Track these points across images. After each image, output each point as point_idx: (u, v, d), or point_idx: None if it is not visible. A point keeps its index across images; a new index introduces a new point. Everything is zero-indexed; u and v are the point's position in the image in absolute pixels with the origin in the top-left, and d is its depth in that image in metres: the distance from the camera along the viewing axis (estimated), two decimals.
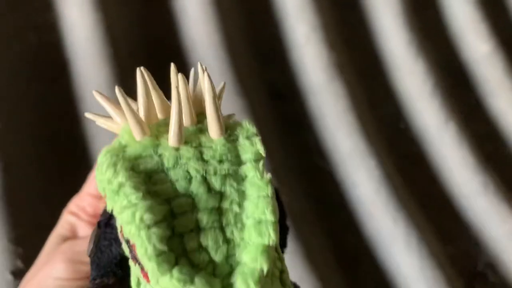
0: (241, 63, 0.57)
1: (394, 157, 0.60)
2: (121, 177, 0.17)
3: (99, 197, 0.27)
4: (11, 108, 0.48)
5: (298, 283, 0.50)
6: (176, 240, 0.16)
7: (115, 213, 0.17)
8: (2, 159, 0.44)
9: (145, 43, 0.57)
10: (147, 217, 0.16)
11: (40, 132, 0.49)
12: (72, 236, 0.26)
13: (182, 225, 0.16)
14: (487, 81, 0.68)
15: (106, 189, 0.17)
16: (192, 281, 0.15)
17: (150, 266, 0.15)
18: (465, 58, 0.69)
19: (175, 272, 0.15)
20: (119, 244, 0.20)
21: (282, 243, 0.24)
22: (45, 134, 0.49)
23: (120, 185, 0.17)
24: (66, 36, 0.54)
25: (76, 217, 0.26)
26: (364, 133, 0.57)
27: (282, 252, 0.24)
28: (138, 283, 0.18)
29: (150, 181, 0.17)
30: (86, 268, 0.23)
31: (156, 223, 0.16)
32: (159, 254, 0.15)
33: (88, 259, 0.23)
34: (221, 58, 0.56)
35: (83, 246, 0.24)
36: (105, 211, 0.23)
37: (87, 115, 0.21)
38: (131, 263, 0.18)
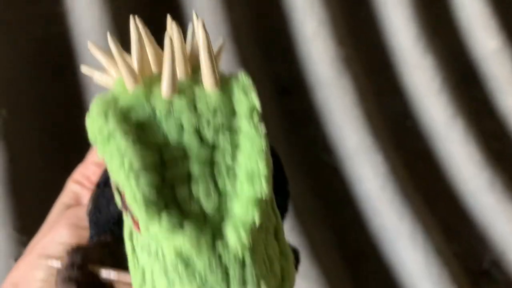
0: (248, 56, 0.57)
1: (400, 153, 0.59)
2: (112, 125, 0.16)
3: (104, 165, 0.27)
4: (17, 98, 0.48)
5: (302, 278, 0.50)
6: (166, 189, 0.16)
7: (106, 161, 0.17)
8: (7, 149, 0.44)
9: (151, 34, 0.57)
10: (136, 163, 0.15)
11: (45, 122, 0.49)
12: (76, 204, 0.26)
13: (173, 174, 0.16)
14: (495, 77, 0.67)
15: (97, 137, 0.17)
16: (181, 226, 0.15)
17: (139, 212, 0.15)
18: (474, 54, 0.69)
19: (164, 217, 0.15)
20: None
21: (283, 208, 0.24)
22: (50, 124, 0.49)
23: (111, 133, 0.16)
24: (72, 27, 0.54)
25: (80, 186, 0.27)
26: (370, 129, 0.57)
27: (283, 217, 0.23)
28: (131, 235, 0.17)
29: (141, 131, 0.17)
30: (88, 234, 0.24)
31: (146, 169, 0.15)
32: (148, 200, 0.15)
33: None
34: (227, 49, 0.55)
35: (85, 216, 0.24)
36: (105, 171, 0.23)
37: (83, 69, 0.20)
38: (123, 214, 0.18)
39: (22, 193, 0.43)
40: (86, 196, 0.26)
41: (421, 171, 0.60)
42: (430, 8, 0.68)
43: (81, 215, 0.24)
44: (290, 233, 0.49)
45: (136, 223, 0.16)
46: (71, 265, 0.20)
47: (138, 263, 0.17)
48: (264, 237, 0.17)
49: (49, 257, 0.23)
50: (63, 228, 0.24)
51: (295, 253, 0.24)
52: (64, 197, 0.27)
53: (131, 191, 0.15)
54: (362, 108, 0.58)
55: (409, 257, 0.52)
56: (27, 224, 0.42)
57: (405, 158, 0.59)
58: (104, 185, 0.22)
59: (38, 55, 0.51)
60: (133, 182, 0.15)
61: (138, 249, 0.17)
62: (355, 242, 0.55)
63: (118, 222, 0.21)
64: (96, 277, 0.20)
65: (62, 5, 0.54)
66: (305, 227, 0.50)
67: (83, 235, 0.23)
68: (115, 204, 0.20)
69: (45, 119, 0.49)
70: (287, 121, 0.58)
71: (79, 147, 0.49)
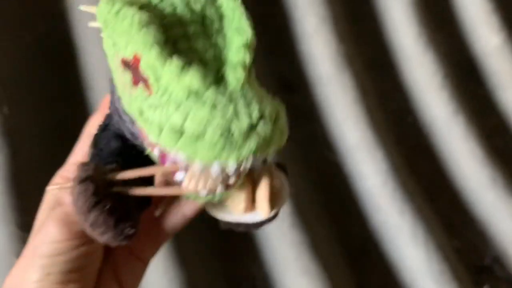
0: None
1: (401, 149, 0.59)
2: (118, 5, 0.19)
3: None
4: (18, 95, 0.48)
5: (304, 274, 0.50)
6: (169, 44, 0.19)
7: (116, 37, 0.19)
8: (10, 146, 0.45)
9: None
10: (144, 17, 0.18)
11: (47, 119, 0.49)
12: (60, 205, 0.26)
13: (173, 34, 0.19)
14: (497, 73, 0.67)
15: (106, 17, 0.20)
16: (190, 65, 0.18)
17: (152, 57, 0.18)
18: (476, 50, 0.69)
19: (174, 59, 0.18)
20: (118, 138, 0.23)
21: None
22: (52, 122, 0.49)
23: (118, 9, 0.19)
24: (75, 25, 0.54)
25: (60, 189, 0.26)
26: (372, 125, 0.57)
27: None
28: (141, 112, 0.19)
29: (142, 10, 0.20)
30: (78, 227, 0.23)
31: (151, 23, 0.18)
32: (159, 43, 0.18)
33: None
34: None
35: (72, 209, 0.24)
36: (101, 123, 0.25)
37: (82, 7, 0.23)
38: (132, 93, 0.20)
39: (24, 190, 0.43)
40: (67, 196, 0.26)
41: (422, 168, 0.60)
42: (431, 5, 0.68)
43: (67, 210, 0.24)
44: (292, 229, 0.50)
45: (148, 86, 0.19)
46: (85, 165, 0.22)
47: (151, 121, 0.19)
48: (254, 85, 0.20)
49: (42, 256, 0.23)
50: (51, 226, 0.24)
51: (284, 168, 0.27)
52: (45, 205, 0.27)
53: (143, 39, 0.18)
54: (363, 104, 0.58)
55: (410, 253, 0.52)
56: (29, 221, 0.42)
57: (406, 155, 0.59)
58: (102, 131, 0.24)
59: (40, 52, 0.51)
60: (144, 30, 0.18)
61: (149, 114, 0.19)
62: (357, 238, 0.55)
63: (120, 154, 0.23)
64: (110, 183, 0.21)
65: (64, 2, 0.54)
66: (307, 223, 0.50)
67: (72, 230, 0.23)
68: (115, 140, 0.22)
69: (47, 116, 0.49)
70: (289, 117, 0.58)
71: None
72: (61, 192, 0.27)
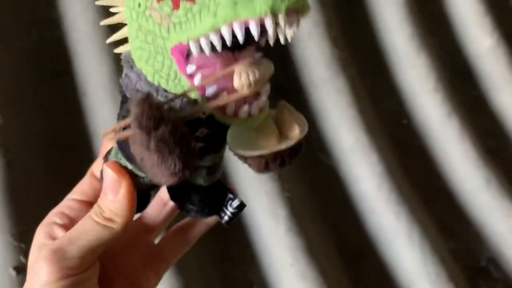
0: None
1: (396, 152, 0.59)
2: None
3: (81, 202, 0.27)
4: (14, 103, 0.48)
5: (301, 278, 0.50)
6: None
7: None
8: (5, 155, 0.44)
9: None
10: None
11: (43, 127, 0.49)
12: (51, 240, 0.26)
13: None
14: (490, 75, 0.67)
15: None
16: None
17: None
18: (468, 52, 0.69)
19: None
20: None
21: None
22: (48, 130, 0.49)
23: None
24: (68, 31, 0.54)
25: (52, 225, 0.26)
26: (366, 128, 0.57)
27: None
28: (187, 34, 0.22)
29: None
30: (69, 263, 0.23)
31: None
32: None
33: (71, 255, 0.24)
34: None
35: (62, 243, 0.24)
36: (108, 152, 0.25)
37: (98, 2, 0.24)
38: (164, 22, 0.22)
39: (20, 199, 0.43)
40: (58, 231, 0.26)
41: (417, 170, 0.60)
42: (424, 8, 0.68)
43: (56, 247, 0.24)
44: (288, 233, 0.50)
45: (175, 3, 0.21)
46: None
47: (202, 19, 0.21)
48: None
49: None
50: (41, 267, 0.23)
51: None
52: (35, 243, 0.26)
53: None
54: (357, 107, 0.58)
55: (406, 256, 0.53)
56: (25, 231, 0.42)
57: (401, 157, 0.60)
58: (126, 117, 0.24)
59: (34, 61, 0.51)
60: None
61: (196, 20, 0.21)
62: (352, 241, 0.55)
63: None
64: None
65: (57, 10, 0.54)
66: (302, 228, 0.51)
67: (63, 267, 0.23)
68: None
69: (42, 125, 0.49)
70: None
71: (77, 151, 0.49)
72: (53, 226, 0.26)
